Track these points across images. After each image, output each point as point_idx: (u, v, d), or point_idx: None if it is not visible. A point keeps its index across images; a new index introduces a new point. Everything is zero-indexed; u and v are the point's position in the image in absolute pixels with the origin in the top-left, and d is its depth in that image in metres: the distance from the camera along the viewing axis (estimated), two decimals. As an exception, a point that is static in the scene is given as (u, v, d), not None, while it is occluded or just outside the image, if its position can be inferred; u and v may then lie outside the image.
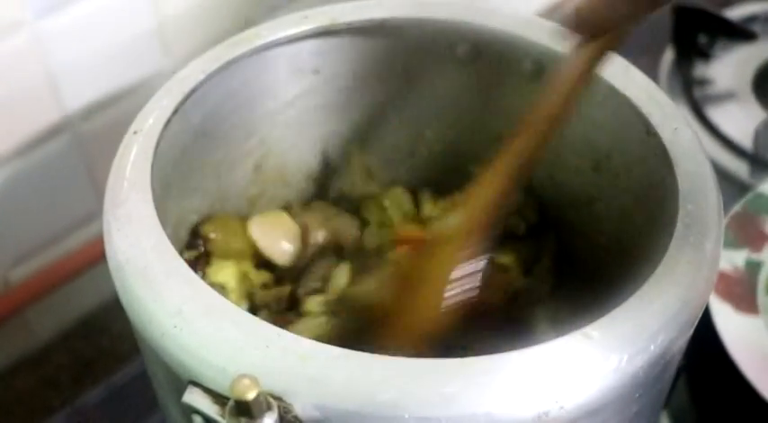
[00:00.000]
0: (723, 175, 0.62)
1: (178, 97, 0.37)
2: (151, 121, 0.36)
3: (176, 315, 0.30)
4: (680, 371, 0.48)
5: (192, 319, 0.30)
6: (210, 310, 0.30)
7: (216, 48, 0.40)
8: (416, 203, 0.48)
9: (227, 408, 0.28)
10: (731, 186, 0.61)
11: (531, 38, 0.41)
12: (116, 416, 0.56)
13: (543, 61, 0.41)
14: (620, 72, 0.39)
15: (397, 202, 0.48)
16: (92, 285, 0.59)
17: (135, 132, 0.36)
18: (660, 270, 0.32)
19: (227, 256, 0.44)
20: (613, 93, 0.39)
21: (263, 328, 0.30)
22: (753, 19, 0.72)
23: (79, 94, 0.53)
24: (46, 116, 0.52)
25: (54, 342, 0.60)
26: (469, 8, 0.42)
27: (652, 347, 0.30)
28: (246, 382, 0.26)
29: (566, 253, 0.46)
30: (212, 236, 0.43)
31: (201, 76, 0.38)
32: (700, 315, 0.32)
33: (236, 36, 0.40)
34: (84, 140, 0.54)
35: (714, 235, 0.33)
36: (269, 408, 0.27)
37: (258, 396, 0.26)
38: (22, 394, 0.58)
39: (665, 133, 0.36)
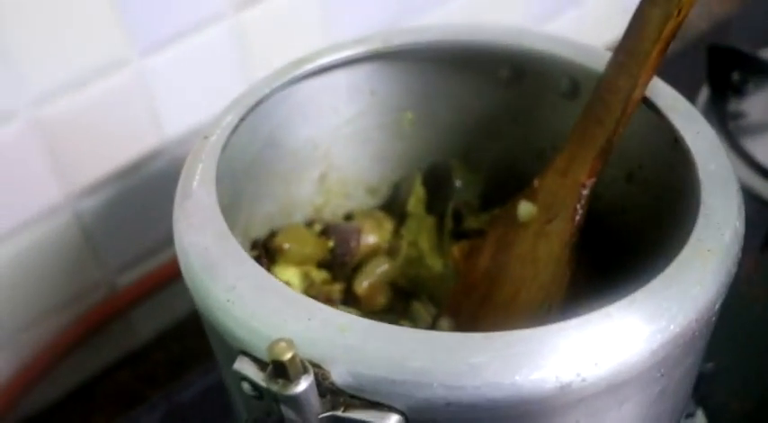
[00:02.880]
0: (757, 200, 0.59)
1: (244, 109, 0.37)
2: (219, 128, 0.36)
3: (230, 291, 0.29)
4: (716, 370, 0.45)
5: (243, 294, 0.29)
6: (260, 287, 0.29)
7: (281, 67, 0.39)
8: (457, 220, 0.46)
9: (267, 371, 0.26)
10: (764, 210, 0.58)
11: (567, 57, 0.39)
12: (209, 413, 0.55)
13: (579, 79, 0.39)
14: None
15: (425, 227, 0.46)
16: (186, 292, 0.58)
17: (205, 137, 0.35)
18: (682, 256, 0.29)
19: (297, 262, 0.43)
20: (643, 104, 0.36)
21: (306, 303, 0.28)
22: (783, 59, 0.69)
23: (176, 122, 0.53)
24: (147, 142, 0.52)
25: (152, 342, 0.60)
26: (509, 31, 0.40)
27: (672, 327, 0.27)
28: (283, 344, 0.25)
29: (600, 255, 0.44)
30: (285, 246, 0.42)
31: (267, 91, 0.37)
32: (720, 300, 0.29)
33: (300, 57, 0.39)
34: (180, 162, 0.54)
35: (734, 226, 0.30)
36: (305, 371, 0.26)
37: (294, 358, 0.25)
38: (124, 387, 0.57)
39: (689, 137, 0.34)
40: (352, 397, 0.26)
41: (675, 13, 0.33)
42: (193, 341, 0.59)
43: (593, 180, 0.37)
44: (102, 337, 0.56)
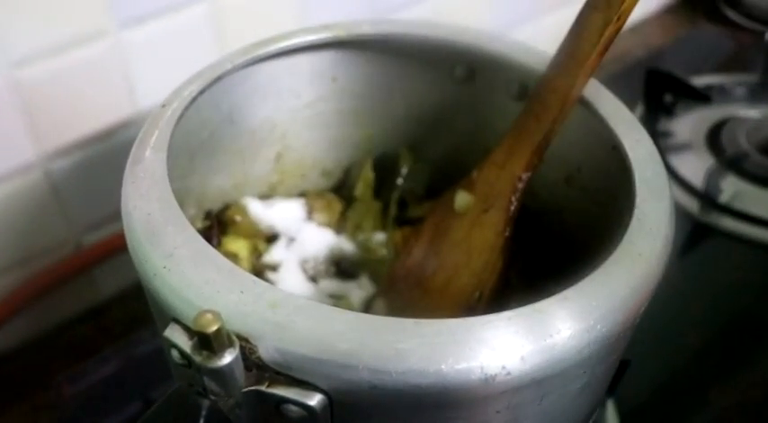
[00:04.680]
0: (679, 211, 0.56)
1: (204, 82, 0.33)
2: (178, 98, 0.32)
3: (167, 258, 0.25)
4: (626, 364, 0.42)
5: (180, 262, 0.25)
6: (198, 256, 0.25)
7: (245, 45, 0.35)
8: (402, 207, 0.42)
9: (193, 341, 0.22)
10: (685, 220, 0.56)
11: (519, 60, 0.36)
12: (160, 369, 0.51)
13: (528, 83, 0.36)
14: (592, 91, 0.33)
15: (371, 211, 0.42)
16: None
17: (163, 106, 0.31)
18: (613, 258, 0.26)
19: (247, 234, 0.39)
20: (586, 111, 0.33)
21: (240, 276, 0.24)
22: (710, 87, 0.67)
23: (150, 95, 0.49)
24: (121, 111, 0.48)
25: (113, 299, 0.55)
26: (466, 31, 0.37)
27: (599, 326, 0.24)
28: (209, 316, 0.21)
29: (537, 254, 0.40)
30: (237, 219, 0.38)
31: (228, 66, 0.33)
32: (647, 303, 0.26)
33: (265, 38, 0.35)
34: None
35: (665, 232, 0.27)
36: (231, 344, 0.22)
37: (219, 331, 0.21)
38: (83, 339, 0.53)
39: (628, 144, 0.31)
40: (278, 373, 0.23)
41: (615, 18, 0.30)
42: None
43: (529, 174, 0.34)
44: (67, 291, 0.52)
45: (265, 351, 0.23)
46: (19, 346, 0.52)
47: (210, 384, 0.23)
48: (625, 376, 0.42)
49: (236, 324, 0.23)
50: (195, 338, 0.22)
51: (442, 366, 0.22)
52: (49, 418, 0.47)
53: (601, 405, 0.43)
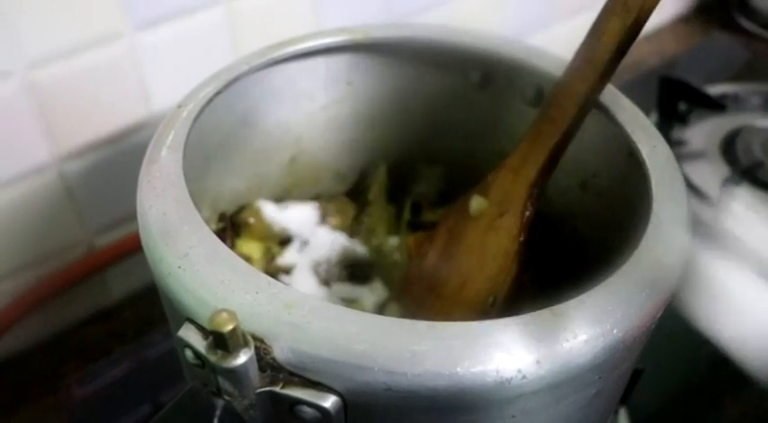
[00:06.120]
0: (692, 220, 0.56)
1: (221, 83, 0.33)
2: (194, 99, 0.32)
3: (183, 257, 0.25)
4: (640, 372, 0.42)
5: (195, 262, 0.25)
6: (213, 256, 0.25)
7: (261, 48, 0.35)
8: (415, 211, 0.42)
9: (207, 341, 0.22)
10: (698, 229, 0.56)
11: (535, 65, 0.36)
12: (171, 370, 0.51)
13: (544, 88, 0.36)
14: (609, 97, 0.33)
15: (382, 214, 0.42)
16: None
17: (179, 107, 0.31)
18: (630, 263, 0.26)
19: (260, 237, 0.39)
20: (603, 116, 0.33)
21: (255, 277, 0.24)
22: (725, 96, 0.66)
23: (164, 97, 0.49)
24: (135, 113, 0.49)
25: (124, 301, 0.55)
26: (483, 36, 0.37)
27: (615, 331, 0.24)
28: (224, 315, 0.21)
29: (552, 259, 0.40)
30: (251, 221, 0.38)
31: (245, 68, 0.33)
32: (663, 309, 0.26)
33: (281, 41, 0.35)
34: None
35: (682, 238, 0.27)
36: (246, 344, 0.22)
37: (235, 330, 0.21)
38: (94, 341, 0.53)
39: (645, 150, 0.31)
40: (292, 374, 0.23)
41: (632, 24, 0.30)
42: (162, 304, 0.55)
43: (544, 180, 0.34)
44: (78, 292, 0.53)
45: (280, 352, 0.23)
46: (29, 347, 0.52)
47: (224, 384, 0.23)
48: (638, 385, 0.42)
49: (250, 324, 0.23)
50: (210, 338, 0.22)
51: (458, 369, 0.22)
52: (58, 420, 0.47)
53: (614, 413, 0.42)
